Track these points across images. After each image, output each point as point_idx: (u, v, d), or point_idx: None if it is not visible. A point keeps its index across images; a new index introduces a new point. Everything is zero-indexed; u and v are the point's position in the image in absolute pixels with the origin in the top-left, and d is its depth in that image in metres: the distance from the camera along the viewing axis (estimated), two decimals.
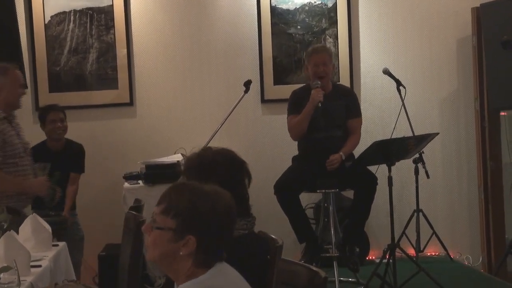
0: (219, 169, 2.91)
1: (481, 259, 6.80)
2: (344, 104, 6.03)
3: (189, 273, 2.35)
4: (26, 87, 5.01)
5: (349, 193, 6.26)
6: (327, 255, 5.86)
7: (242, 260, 2.74)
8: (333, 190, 5.92)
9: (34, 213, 4.62)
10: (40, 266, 3.89)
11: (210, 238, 2.33)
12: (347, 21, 6.88)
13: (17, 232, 4.13)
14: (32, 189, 4.96)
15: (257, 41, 6.84)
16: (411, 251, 6.32)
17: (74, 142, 6.32)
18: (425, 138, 5.79)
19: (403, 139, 5.75)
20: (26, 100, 6.63)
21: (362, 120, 6.17)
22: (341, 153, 5.85)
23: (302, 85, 6.30)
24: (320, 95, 5.78)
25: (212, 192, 2.36)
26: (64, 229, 5.84)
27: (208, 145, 5.65)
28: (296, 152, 6.16)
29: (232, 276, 2.43)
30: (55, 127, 6.13)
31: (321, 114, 5.85)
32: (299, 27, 6.89)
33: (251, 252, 2.88)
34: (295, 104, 6.02)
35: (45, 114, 6.18)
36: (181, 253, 2.33)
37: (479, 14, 6.49)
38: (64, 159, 6.15)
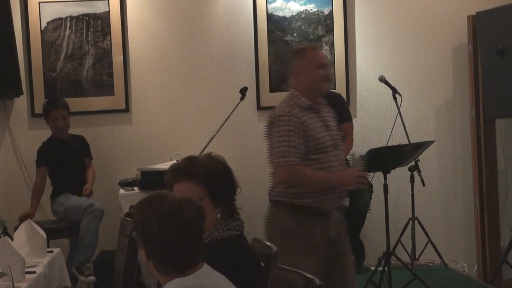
0: (223, 176, 2.97)
1: (476, 267, 6.80)
2: (333, 110, 6.01)
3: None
4: (326, 65, 4.30)
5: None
6: None
7: (236, 260, 2.76)
8: None
9: (29, 220, 4.61)
10: (34, 272, 3.89)
11: (158, 250, 2.40)
12: (343, 28, 6.89)
13: None
14: (339, 182, 4.19)
15: (253, 48, 6.84)
16: (407, 259, 6.31)
17: (76, 135, 6.54)
18: (421, 146, 5.78)
19: (399, 147, 5.75)
20: (22, 106, 6.66)
21: (358, 127, 6.17)
22: None
23: None
24: None
25: (168, 209, 2.42)
26: None
27: (203, 152, 5.65)
28: None
29: (217, 278, 2.47)
30: (57, 125, 6.26)
31: None
32: (295, 34, 6.89)
33: (244, 252, 2.90)
34: None
35: (47, 111, 6.35)
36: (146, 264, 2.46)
37: (475, 22, 6.50)
38: (74, 147, 6.44)
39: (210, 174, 2.94)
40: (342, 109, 6.07)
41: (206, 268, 2.47)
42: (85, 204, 6.10)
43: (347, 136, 6.04)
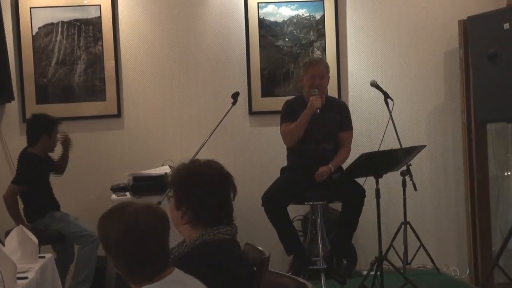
0: (207, 180, 2.94)
1: (468, 271, 6.80)
2: (337, 117, 6.06)
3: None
4: None
5: (337, 205, 6.26)
6: (315, 267, 5.87)
7: (225, 262, 2.77)
8: (320, 202, 5.93)
9: (20, 225, 4.60)
10: (26, 278, 3.88)
11: (121, 261, 2.43)
12: (335, 33, 6.91)
13: None
14: None
15: (245, 53, 6.85)
16: (399, 264, 6.31)
17: None
18: (413, 151, 5.80)
19: (391, 152, 5.76)
20: (13, 111, 6.65)
21: None
22: (330, 165, 5.86)
23: (292, 96, 6.34)
24: (318, 102, 5.80)
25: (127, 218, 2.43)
26: None
27: (196, 157, 5.65)
28: (284, 164, 6.17)
29: (189, 282, 2.46)
30: (56, 142, 6.19)
31: (314, 126, 5.87)
32: (287, 39, 6.90)
33: (236, 257, 2.90)
34: (289, 112, 6.03)
35: (54, 126, 6.18)
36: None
37: (466, 26, 6.52)
38: (50, 163, 6.31)
39: (175, 182, 3.00)
40: (345, 118, 6.12)
41: (176, 274, 2.47)
42: (82, 232, 6.08)
43: (345, 144, 6.08)
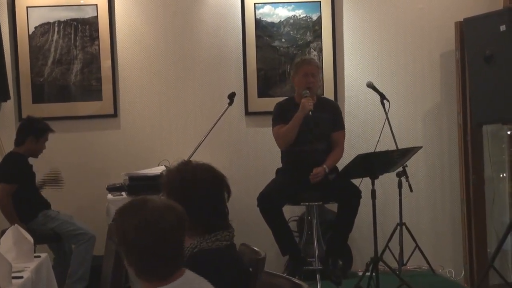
0: (200, 184, 2.92)
1: (463, 272, 6.81)
2: (329, 117, 6.06)
3: None
4: None
5: (333, 206, 6.26)
6: (310, 268, 5.87)
7: (223, 270, 2.76)
8: (316, 203, 5.94)
9: (16, 225, 4.59)
10: (21, 277, 3.87)
11: (137, 258, 2.40)
12: (331, 34, 6.91)
13: None
14: None
15: (242, 54, 6.85)
16: (394, 265, 6.31)
17: None
18: (409, 152, 5.80)
19: (387, 153, 5.77)
20: (9, 110, 6.64)
21: (346, 133, 6.21)
22: (324, 166, 5.86)
23: (285, 97, 6.34)
24: (310, 103, 5.81)
25: (145, 217, 2.40)
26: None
27: (191, 157, 5.66)
28: (280, 165, 6.17)
29: (196, 286, 2.45)
30: (43, 148, 6.17)
31: (306, 127, 5.88)
32: (283, 40, 6.90)
33: (233, 262, 2.89)
34: (281, 114, 6.05)
35: (45, 132, 6.17)
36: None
37: (462, 28, 6.52)
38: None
39: (168, 186, 2.99)
40: (337, 118, 6.13)
41: (186, 277, 2.45)
42: (77, 231, 6.08)
43: (338, 145, 6.08)
